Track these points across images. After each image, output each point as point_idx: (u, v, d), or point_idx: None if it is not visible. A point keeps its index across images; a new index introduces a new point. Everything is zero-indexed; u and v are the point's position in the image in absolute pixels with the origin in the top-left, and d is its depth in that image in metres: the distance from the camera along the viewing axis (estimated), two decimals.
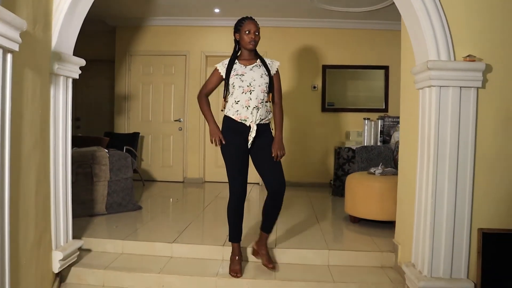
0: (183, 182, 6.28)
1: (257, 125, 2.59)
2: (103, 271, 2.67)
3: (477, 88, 2.25)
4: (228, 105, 2.64)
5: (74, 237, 2.77)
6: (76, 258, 2.72)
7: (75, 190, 3.44)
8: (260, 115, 2.59)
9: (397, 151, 4.23)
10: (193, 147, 6.29)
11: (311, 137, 6.14)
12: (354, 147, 5.10)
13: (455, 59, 2.27)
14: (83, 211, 3.76)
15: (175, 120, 6.37)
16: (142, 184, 5.84)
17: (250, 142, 2.58)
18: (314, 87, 6.15)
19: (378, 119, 5.41)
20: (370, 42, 6.09)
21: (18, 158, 2.00)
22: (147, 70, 6.38)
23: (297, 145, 6.06)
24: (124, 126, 6.39)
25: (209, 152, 6.36)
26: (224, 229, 3.26)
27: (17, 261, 1.98)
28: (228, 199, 2.70)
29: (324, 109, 6.17)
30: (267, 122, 2.67)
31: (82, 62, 2.68)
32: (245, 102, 2.58)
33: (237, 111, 2.59)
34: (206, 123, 6.49)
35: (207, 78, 2.81)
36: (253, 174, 2.75)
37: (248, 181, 2.74)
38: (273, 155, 2.59)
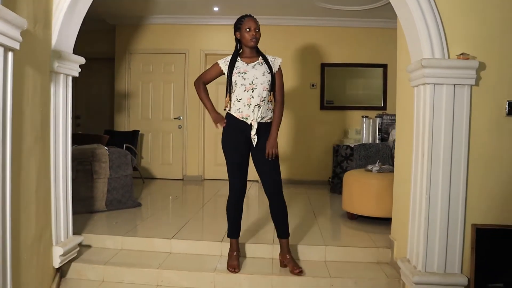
0: (183, 180, 6.31)
1: (258, 123, 2.59)
2: (103, 267, 2.71)
3: (471, 85, 2.28)
4: (230, 102, 2.65)
5: (74, 233, 2.81)
6: (76, 254, 2.75)
7: (75, 187, 3.48)
8: (261, 113, 2.59)
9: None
10: (192, 145, 6.32)
11: (310, 135, 6.17)
12: (352, 145, 5.13)
13: (449, 57, 2.30)
14: (83, 208, 3.80)
15: (174, 118, 6.40)
16: (142, 181, 5.88)
17: (254, 141, 2.58)
18: (313, 85, 6.18)
19: (376, 117, 5.43)
20: (369, 40, 6.11)
21: (19, 154, 2.04)
22: (146, 68, 6.41)
23: (296, 143, 6.10)
24: (124, 124, 6.42)
25: (209, 150, 6.39)
26: (222, 226, 3.30)
27: (18, 256, 2.02)
28: (227, 195, 2.74)
29: (322, 107, 6.20)
30: (268, 121, 2.66)
31: (82, 60, 2.71)
32: (247, 100, 2.58)
33: (239, 109, 2.60)
34: (206, 122, 6.53)
35: (206, 69, 2.81)
36: (252, 172, 2.77)
37: (247, 179, 2.76)
38: (266, 153, 2.59)
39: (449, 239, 2.32)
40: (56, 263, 2.50)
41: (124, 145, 5.44)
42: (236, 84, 2.61)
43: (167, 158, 6.41)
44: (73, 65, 2.65)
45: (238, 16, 2.74)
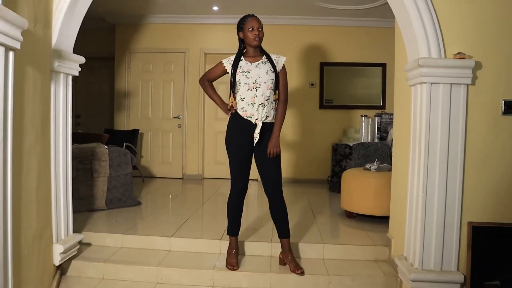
0: (182, 179, 6.34)
1: (263, 123, 2.60)
2: (103, 264, 2.73)
3: (467, 85, 2.30)
4: (235, 102, 2.65)
5: (74, 231, 2.83)
6: (76, 252, 2.78)
7: (76, 186, 3.50)
8: (265, 112, 2.60)
9: None
10: (192, 144, 6.34)
11: (309, 134, 6.20)
12: (351, 144, 5.15)
13: (445, 57, 2.32)
14: (83, 206, 3.82)
15: (174, 117, 6.42)
16: (142, 180, 5.91)
17: (256, 139, 2.59)
18: (312, 84, 6.20)
19: (375, 116, 5.45)
20: (368, 39, 6.13)
21: (20, 153, 2.06)
22: (146, 68, 6.43)
23: (295, 142, 6.12)
24: (124, 123, 6.44)
25: (208, 149, 6.42)
26: (221, 224, 3.33)
27: (19, 253, 2.04)
28: (228, 194, 2.76)
29: (322, 106, 6.22)
30: (273, 121, 2.66)
31: (82, 59, 2.73)
32: (251, 99, 2.59)
33: (243, 107, 2.61)
34: (205, 121, 6.56)
35: (210, 68, 2.83)
36: (252, 171, 2.78)
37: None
38: (267, 152, 2.60)
39: (445, 237, 2.34)
40: (57, 260, 2.53)
41: (124, 144, 5.47)
42: (239, 83, 2.62)
43: (167, 157, 6.43)
44: (73, 65, 2.67)
45: (238, 16, 2.75)
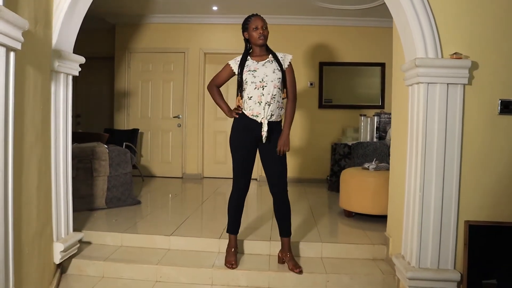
0: (182, 178, 6.36)
1: (268, 121, 2.61)
2: (102, 263, 2.75)
3: (464, 84, 2.32)
4: (242, 101, 2.67)
5: (74, 230, 2.85)
6: (76, 250, 2.80)
7: (76, 185, 3.52)
8: (271, 111, 2.61)
9: None
10: (191, 144, 6.36)
11: (308, 133, 6.22)
12: (350, 143, 5.17)
13: (442, 57, 2.34)
14: (84, 205, 3.84)
15: (174, 117, 6.44)
16: (142, 179, 5.93)
17: (264, 138, 2.58)
18: (311, 84, 6.22)
19: (374, 115, 5.47)
20: (367, 39, 6.14)
21: (21, 152, 2.08)
22: (146, 67, 6.45)
23: (295, 142, 6.14)
24: (124, 122, 6.46)
25: (208, 148, 6.44)
26: (220, 223, 3.35)
27: (20, 252, 2.06)
28: (227, 193, 2.78)
29: (321, 105, 6.24)
30: (278, 120, 2.68)
31: (82, 59, 2.75)
32: (258, 97, 2.60)
33: (250, 106, 2.62)
34: (205, 121, 6.57)
35: (218, 72, 2.83)
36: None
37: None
38: (277, 149, 2.62)
39: (442, 235, 2.36)
40: (57, 259, 2.55)
41: (124, 144, 5.49)
42: (246, 82, 2.63)
43: (167, 157, 6.45)
44: (73, 64, 2.69)
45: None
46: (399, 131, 2.80)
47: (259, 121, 2.61)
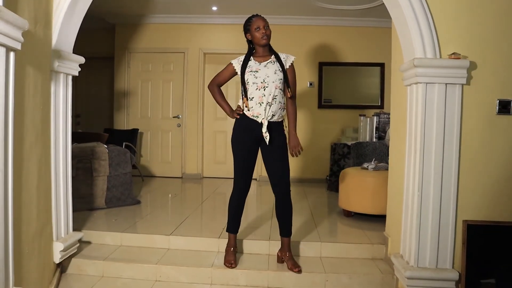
0: (182, 178, 6.36)
1: (269, 122, 2.61)
2: (102, 262, 2.76)
3: (462, 85, 2.33)
4: (247, 102, 2.66)
5: (74, 230, 2.86)
6: (76, 250, 2.81)
7: (75, 185, 3.53)
8: (272, 111, 2.61)
9: None
10: (191, 143, 6.37)
11: (308, 133, 6.22)
12: (349, 143, 5.18)
13: (440, 57, 2.34)
14: (83, 205, 3.85)
15: (173, 117, 6.44)
16: (142, 179, 5.93)
17: (267, 138, 2.59)
18: (311, 84, 6.23)
19: (373, 115, 5.48)
20: (366, 39, 6.15)
21: (20, 152, 2.09)
22: (146, 67, 6.46)
23: None
24: (124, 122, 6.47)
25: (208, 148, 6.44)
26: (220, 223, 3.36)
27: (20, 251, 2.07)
28: (227, 193, 2.79)
29: (320, 105, 6.25)
30: (279, 120, 2.68)
31: (82, 59, 2.75)
32: (259, 98, 2.60)
33: (252, 107, 2.63)
34: (205, 121, 6.57)
35: (219, 71, 2.83)
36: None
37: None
38: (290, 153, 2.64)
39: (440, 235, 2.37)
40: (57, 258, 2.55)
41: (124, 143, 5.50)
42: (248, 82, 2.63)
43: (166, 156, 6.46)
44: (73, 65, 2.69)
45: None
46: (398, 131, 2.80)
47: (259, 121, 2.62)
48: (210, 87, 2.83)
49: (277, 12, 5.86)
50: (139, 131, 6.24)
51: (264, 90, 2.60)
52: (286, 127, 2.73)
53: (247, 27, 2.69)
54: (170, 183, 5.85)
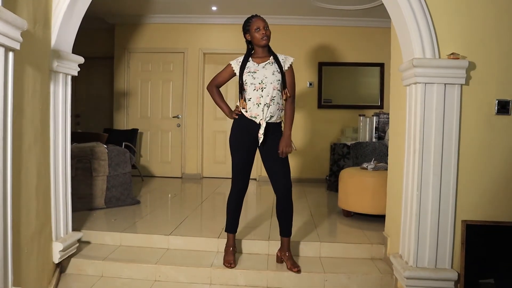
0: (181, 178, 6.36)
1: (267, 123, 2.62)
2: (101, 262, 2.76)
3: (461, 85, 2.33)
4: (245, 103, 2.66)
5: (74, 230, 2.86)
6: (75, 250, 2.81)
7: (75, 185, 3.53)
8: (270, 112, 2.62)
9: None
10: (191, 143, 6.37)
11: (308, 133, 6.23)
12: (349, 143, 5.18)
13: (439, 57, 2.35)
14: (83, 205, 3.85)
15: (173, 117, 6.45)
16: (141, 179, 5.94)
17: (260, 139, 2.61)
18: (311, 84, 6.23)
19: (373, 115, 5.49)
20: (366, 39, 6.15)
21: (19, 152, 2.09)
22: (145, 67, 6.46)
23: (294, 141, 6.11)
24: (123, 122, 6.47)
25: (207, 148, 6.45)
26: (219, 223, 3.36)
27: (19, 251, 2.07)
28: (226, 193, 2.79)
29: (320, 105, 6.25)
30: (278, 121, 2.69)
31: (81, 59, 2.76)
32: (257, 99, 2.61)
33: (249, 108, 2.63)
34: (204, 121, 6.57)
35: (218, 72, 2.84)
36: (252, 170, 2.82)
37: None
38: (278, 151, 2.63)
39: (439, 235, 2.37)
40: (56, 258, 2.55)
41: (123, 143, 5.50)
42: (246, 83, 2.64)
43: (166, 156, 6.46)
44: (72, 65, 2.70)
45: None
46: (397, 131, 2.80)
47: (257, 122, 2.62)
48: (209, 88, 2.84)
49: (277, 12, 5.86)
50: (138, 131, 6.24)
51: (262, 91, 2.60)
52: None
53: (246, 27, 2.69)
54: (169, 183, 5.86)
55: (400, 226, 2.57)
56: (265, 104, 2.60)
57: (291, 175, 2.78)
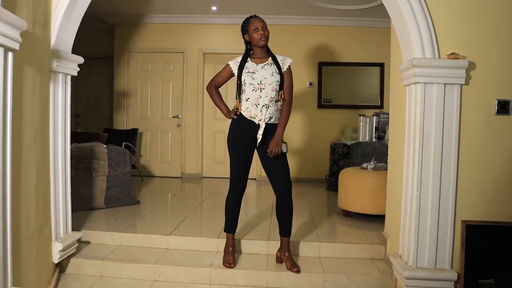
0: (181, 178, 6.36)
1: (266, 124, 2.62)
2: (101, 262, 2.76)
3: (461, 85, 2.33)
4: (240, 104, 2.67)
5: (73, 230, 2.86)
6: (75, 250, 2.81)
7: (75, 185, 3.53)
8: (269, 113, 2.62)
9: None
10: (191, 143, 6.37)
11: (308, 133, 6.23)
12: (349, 143, 5.18)
13: (439, 57, 2.34)
14: (83, 205, 3.85)
15: (173, 117, 6.44)
16: (141, 179, 5.94)
17: (259, 140, 2.61)
18: (310, 84, 6.23)
19: (373, 115, 5.49)
20: (366, 39, 6.15)
21: (19, 152, 2.09)
22: (145, 67, 6.46)
23: (294, 141, 6.15)
24: (123, 122, 6.47)
25: (207, 148, 6.45)
26: (219, 223, 3.36)
27: (18, 251, 2.07)
28: (225, 193, 2.79)
29: (320, 105, 6.25)
30: (276, 122, 2.68)
31: (80, 59, 2.76)
32: (255, 100, 2.61)
33: (247, 108, 2.63)
34: (204, 121, 6.58)
35: (217, 72, 2.84)
36: (251, 170, 2.81)
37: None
38: (267, 150, 2.62)
39: (439, 235, 2.37)
40: (56, 258, 2.55)
41: (123, 143, 5.50)
42: (245, 83, 2.63)
43: (166, 156, 6.46)
44: (72, 65, 2.70)
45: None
46: (397, 131, 2.80)
47: (256, 122, 2.62)
48: (208, 88, 2.85)
49: (276, 12, 5.86)
50: (138, 131, 6.24)
51: (261, 91, 2.60)
52: None
53: (245, 28, 2.69)
54: (169, 183, 5.85)
55: (400, 226, 2.57)
56: (263, 105, 2.60)
57: (291, 175, 2.78)
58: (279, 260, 2.79)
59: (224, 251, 2.81)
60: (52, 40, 2.50)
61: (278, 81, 2.63)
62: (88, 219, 3.51)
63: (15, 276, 1.96)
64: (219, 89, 2.87)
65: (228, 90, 5.86)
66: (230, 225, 2.82)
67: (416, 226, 2.38)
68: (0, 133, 1.73)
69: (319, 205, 4.48)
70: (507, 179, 2.38)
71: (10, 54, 1.77)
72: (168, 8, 5.90)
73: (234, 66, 2.72)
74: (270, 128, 2.64)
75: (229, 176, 2.78)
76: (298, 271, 2.64)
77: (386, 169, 3.68)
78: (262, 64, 2.66)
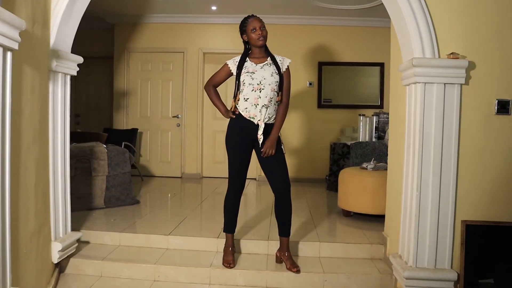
0: (181, 178, 6.36)
1: (265, 124, 2.62)
2: (101, 262, 2.76)
3: (461, 84, 2.32)
4: (238, 102, 2.66)
5: (73, 230, 2.86)
6: (74, 250, 2.80)
7: (74, 185, 3.53)
8: (268, 114, 2.62)
9: None
10: (191, 143, 6.37)
11: (307, 133, 6.22)
12: (349, 143, 5.18)
13: (439, 57, 2.34)
14: (82, 205, 3.85)
15: (173, 116, 6.44)
16: (141, 179, 5.93)
17: (260, 140, 2.60)
18: (310, 84, 6.23)
19: (373, 115, 5.48)
20: (366, 39, 6.15)
21: (18, 151, 2.08)
22: (145, 67, 6.45)
23: (294, 141, 6.15)
24: (123, 122, 6.47)
25: (207, 148, 6.44)
26: (219, 223, 3.35)
27: (17, 251, 2.07)
28: (225, 193, 2.79)
29: (320, 105, 6.25)
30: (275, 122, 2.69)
31: (80, 59, 2.75)
32: (254, 100, 2.60)
33: (246, 108, 2.62)
34: (204, 120, 6.58)
35: (216, 71, 2.83)
36: (250, 170, 2.81)
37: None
38: (261, 150, 2.62)
39: (439, 235, 2.37)
40: (55, 258, 2.55)
41: (123, 143, 5.50)
42: (244, 83, 2.63)
43: (166, 156, 6.45)
44: (71, 64, 2.69)
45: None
46: (397, 131, 2.80)
47: (256, 123, 2.62)
48: (206, 88, 2.83)
49: (276, 12, 5.86)
50: (138, 130, 6.23)
51: (260, 92, 2.60)
52: (280, 134, 2.72)
53: (243, 28, 2.68)
54: (169, 183, 5.85)
55: (400, 226, 2.57)
56: (263, 105, 2.60)
57: (291, 174, 2.77)
58: (278, 260, 2.79)
59: (223, 251, 2.81)
60: (52, 40, 2.50)
61: (277, 82, 2.63)
62: (87, 219, 3.51)
63: (14, 276, 1.96)
64: (217, 88, 2.85)
65: (228, 90, 5.86)
66: (229, 225, 2.81)
67: (416, 226, 2.38)
68: None
69: (319, 205, 4.47)
70: (507, 179, 2.37)
71: (9, 54, 1.77)
72: (168, 8, 5.90)
73: (232, 65, 2.71)
74: (269, 128, 2.64)
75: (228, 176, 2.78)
76: (298, 271, 2.64)
77: (386, 169, 3.68)
78: (262, 64, 2.66)
